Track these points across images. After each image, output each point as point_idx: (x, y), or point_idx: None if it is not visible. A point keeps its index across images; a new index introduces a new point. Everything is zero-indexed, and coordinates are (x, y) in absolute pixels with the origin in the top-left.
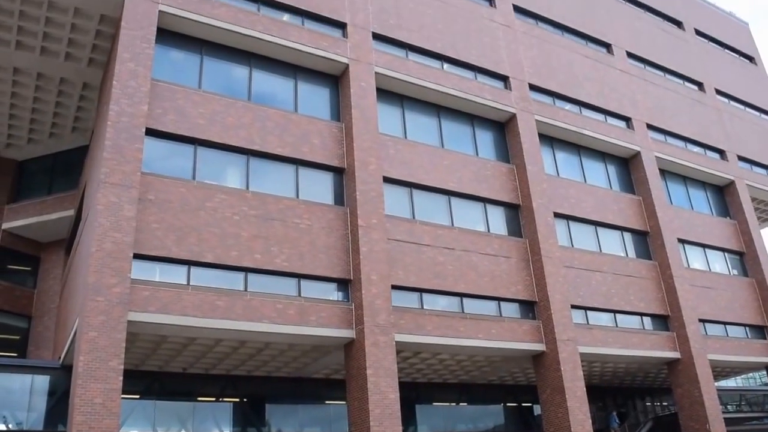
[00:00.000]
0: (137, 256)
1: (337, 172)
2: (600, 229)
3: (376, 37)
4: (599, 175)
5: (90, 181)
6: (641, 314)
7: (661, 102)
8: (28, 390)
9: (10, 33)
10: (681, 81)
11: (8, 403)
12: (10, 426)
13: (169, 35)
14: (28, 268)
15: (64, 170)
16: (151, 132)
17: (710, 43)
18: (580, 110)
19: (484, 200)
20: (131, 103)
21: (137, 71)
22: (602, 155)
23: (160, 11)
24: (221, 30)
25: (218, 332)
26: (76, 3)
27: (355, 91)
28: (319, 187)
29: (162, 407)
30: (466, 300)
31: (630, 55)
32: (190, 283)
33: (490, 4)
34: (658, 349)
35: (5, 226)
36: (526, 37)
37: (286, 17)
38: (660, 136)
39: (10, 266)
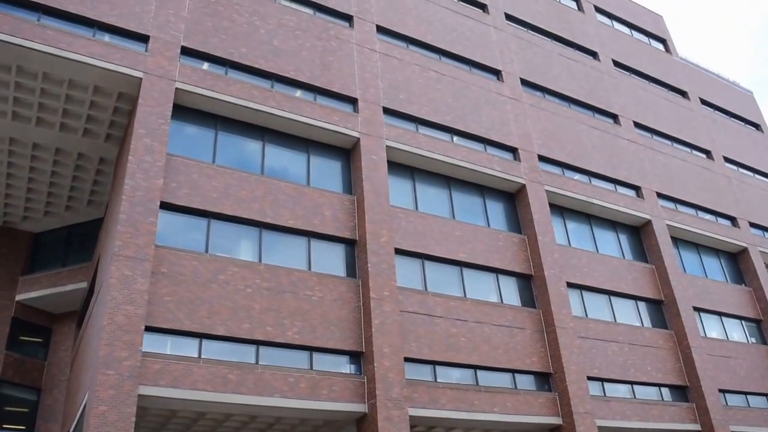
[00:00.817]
0: (149, 329)
1: (349, 244)
2: (614, 299)
3: (387, 111)
4: (611, 244)
5: (104, 254)
6: (659, 385)
7: (670, 170)
8: None
9: (31, 110)
10: (689, 149)
11: None
12: None
13: (185, 111)
14: (40, 340)
15: (79, 242)
16: (165, 205)
17: (716, 111)
18: (590, 180)
19: (497, 271)
20: (146, 178)
21: (153, 147)
22: (613, 224)
23: (176, 89)
24: (235, 106)
25: (229, 407)
26: (95, 81)
27: (366, 164)
28: (331, 259)
29: None
30: (480, 372)
31: (637, 124)
32: (202, 356)
33: (498, 78)
34: (678, 421)
35: (19, 297)
36: (534, 109)
37: (298, 93)
38: (670, 204)
39: (21, 337)
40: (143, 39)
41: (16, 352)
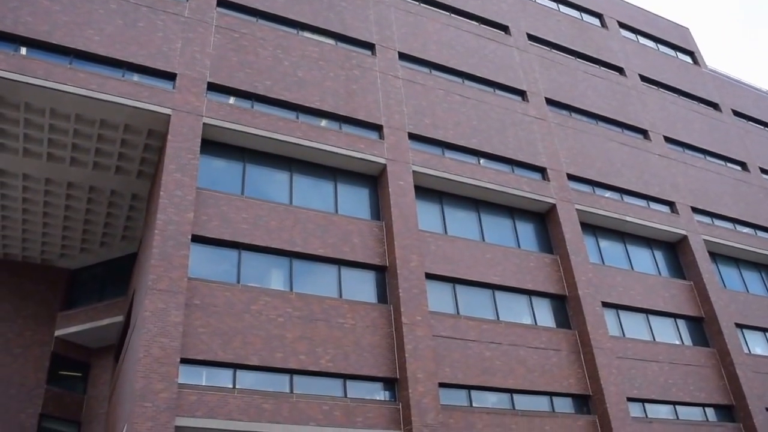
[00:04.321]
0: (184, 360)
1: (379, 270)
2: (652, 317)
3: (412, 137)
4: (646, 262)
5: (138, 288)
6: (703, 405)
7: (704, 184)
8: None
9: (65, 150)
10: (723, 162)
11: None
12: None
13: (213, 145)
14: (79, 374)
15: (114, 277)
16: (197, 238)
17: (750, 122)
18: (621, 197)
19: (529, 292)
20: (177, 212)
21: (183, 181)
22: (647, 241)
23: (204, 124)
24: (262, 138)
25: None
26: (126, 120)
27: (393, 190)
28: (361, 286)
29: None
30: (516, 396)
31: (668, 139)
32: (236, 386)
33: (523, 99)
34: None
35: (58, 333)
36: (561, 128)
37: (323, 123)
38: (707, 219)
39: (61, 372)
40: (170, 77)
41: (56, 386)
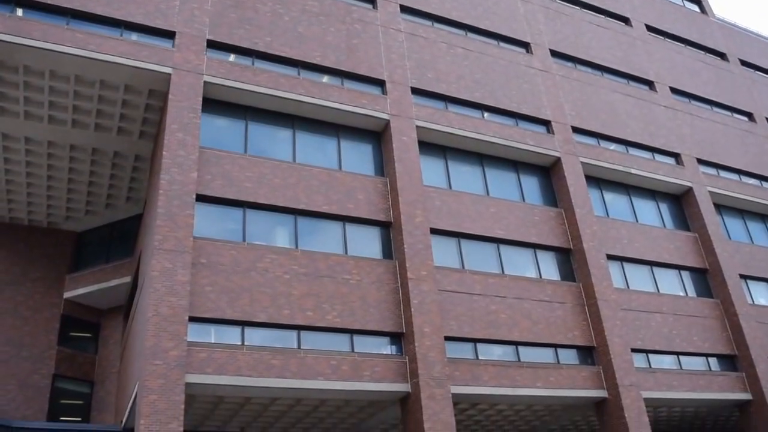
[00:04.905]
0: (192, 319)
1: (384, 226)
2: (656, 269)
3: (415, 91)
4: (651, 214)
5: (145, 248)
6: (706, 355)
7: (710, 135)
8: None
9: (66, 113)
10: (729, 113)
11: None
12: None
13: (215, 104)
14: (89, 335)
15: (121, 239)
16: (201, 198)
17: (757, 72)
18: (626, 149)
19: (534, 246)
20: (181, 172)
21: (186, 140)
22: (652, 193)
23: (205, 82)
24: (264, 95)
25: (274, 391)
26: (126, 80)
27: (397, 146)
28: (366, 243)
29: None
30: (521, 348)
31: (674, 90)
32: (245, 343)
33: (527, 51)
34: (727, 390)
35: (67, 295)
36: (566, 80)
37: (325, 79)
38: (712, 170)
39: (72, 333)
40: (169, 35)
41: (68, 347)
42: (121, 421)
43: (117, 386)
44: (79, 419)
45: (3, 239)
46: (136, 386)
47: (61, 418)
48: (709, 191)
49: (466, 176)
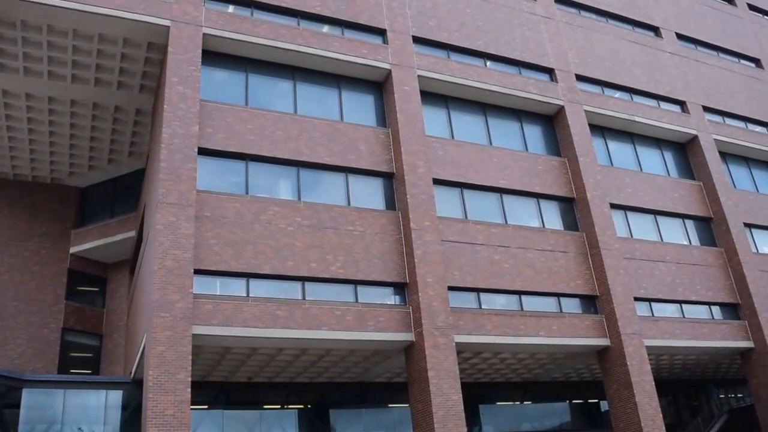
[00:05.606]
0: (198, 272)
1: (387, 177)
2: (660, 218)
3: (417, 40)
4: (655, 163)
5: (149, 203)
6: (709, 303)
7: (716, 82)
8: (103, 405)
9: (66, 68)
10: (736, 59)
11: (86, 418)
12: None
13: (214, 56)
14: (96, 289)
15: (124, 194)
16: (203, 151)
17: (765, 17)
18: (631, 97)
19: (537, 195)
20: (182, 125)
21: (186, 94)
22: (657, 142)
23: (204, 34)
24: (264, 47)
25: (279, 341)
26: (124, 33)
27: (399, 96)
28: (369, 194)
29: (230, 416)
30: (524, 297)
31: (680, 36)
32: (250, 295)
33: None
34: (729, 339)
35: (73, 250)
36: (569, 27)
37: (325, 29)
38: (718, 118)
39: (79, 288)
40: None
41: (76, 301)
42: (131, 373)
43: (125, 339)
44: (89, 371)
45: (8, 196)
46: (144, 338)
47: (72, 371)
48: (715, 139)
49: (468, 126)
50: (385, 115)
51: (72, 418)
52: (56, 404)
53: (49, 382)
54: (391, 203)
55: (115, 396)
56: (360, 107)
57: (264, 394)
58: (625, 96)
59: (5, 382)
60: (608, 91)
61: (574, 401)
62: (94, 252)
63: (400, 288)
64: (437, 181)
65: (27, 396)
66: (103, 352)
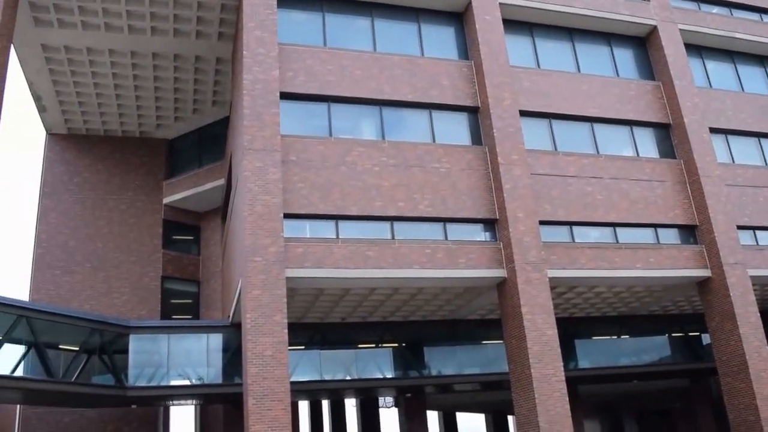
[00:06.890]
0: (287, 216)
1: (471, 111)
2: (764, 141)
3: None
4: (759, 82)
5: (235, 150)
6: None
7: None
8: (204, 348)
9: (144, 21)
10: None
11: (189, 361)
12: (194, 381)
13: None
14: (191, 237)
15: (211, 143)
16: (285, 95)
17: None
18: (731, 12)
19: (630, 123)
20: (263, 70)
21: (264, 38)
22: (761, 59)
23: None
24: None
25: (371, 281)
26: None
27: (480, 26)
28: (454, 129)
29: (326, 356)
30: (619, 229)
31: None
32: (339, 237)
33: None
34: None
35: (166, 200)
36: None
37: None
38: None
39: (175, 237)
40: None
41: (172, 250)
42: (229, 316)
43: (222, 284)
44: (190, 317)
45: (101, 151)
46: (239, 283)
47: (173, 317)
48: None
49: (555, 54)
50: (467, 48)
51: (176, 361)
52: (161, 349)
53: (153, 328)
54: (477, 138)
55: (216, 339)
56: (440, 41)
57: (358, 333)
58: (724, 11)
59: (113, 329)
60: (705, 7)
61: (673, 335)
62: (186, 202)
63: (490, 224)
64: (524, 113)
65: (134, 341)
66: (202, 298)
